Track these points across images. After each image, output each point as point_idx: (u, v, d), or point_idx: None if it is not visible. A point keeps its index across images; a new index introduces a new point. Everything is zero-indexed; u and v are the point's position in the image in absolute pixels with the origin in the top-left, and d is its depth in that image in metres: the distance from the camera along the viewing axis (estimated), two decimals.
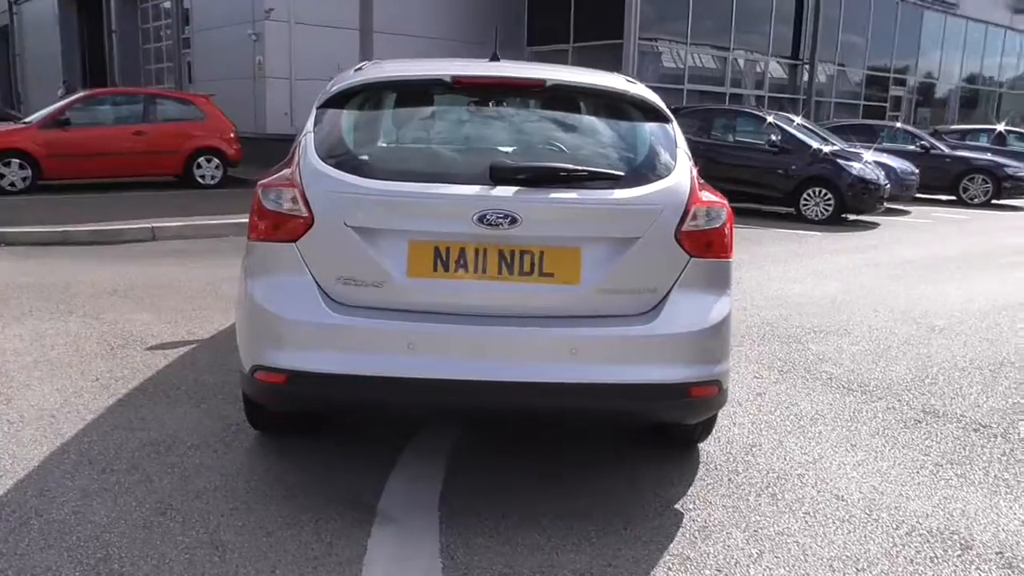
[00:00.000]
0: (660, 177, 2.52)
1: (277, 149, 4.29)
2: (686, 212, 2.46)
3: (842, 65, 21.53)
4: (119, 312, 4.75)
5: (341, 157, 2.50)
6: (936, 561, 2.35)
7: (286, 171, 2.57)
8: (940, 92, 25.39)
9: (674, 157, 2.61)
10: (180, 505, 2.52)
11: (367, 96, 2.70)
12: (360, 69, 2.89)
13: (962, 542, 2.45)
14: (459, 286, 2.37)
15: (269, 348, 2.40)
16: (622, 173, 2.52)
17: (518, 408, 2.47)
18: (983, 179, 13.90)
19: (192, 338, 4.28)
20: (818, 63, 20.15)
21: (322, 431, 3.08)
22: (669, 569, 2.25)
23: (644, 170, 2.58)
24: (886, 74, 22.89)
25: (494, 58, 2.92)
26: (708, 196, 2.54)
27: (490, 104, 2.72)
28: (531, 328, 2.36)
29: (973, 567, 2.33)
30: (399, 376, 2.32)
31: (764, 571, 2.27)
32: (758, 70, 19.83)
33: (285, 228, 2.41)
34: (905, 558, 2.35)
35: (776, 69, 20.24)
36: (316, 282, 2.39)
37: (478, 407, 2.49)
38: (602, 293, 2.40)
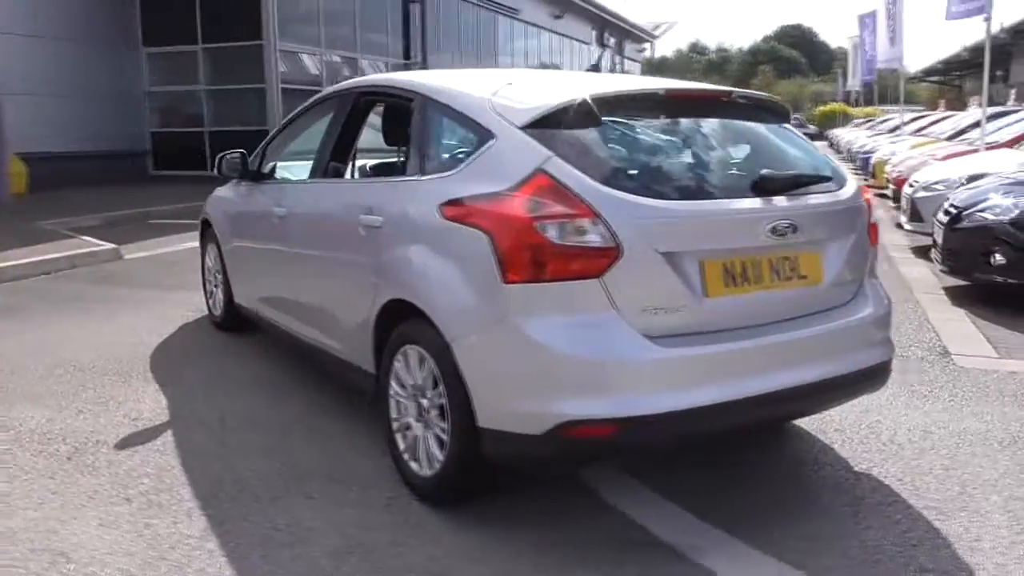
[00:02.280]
0: (847, 176, 2.82)
1: None
2: (869, 207, 2.82)
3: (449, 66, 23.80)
4: None
5: (617, 179, 2.34)
6: None
7: (518, 197, 2.28)
8: None
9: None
10: None
11: (591, 115, 2.47)
12: (511, 85, 2.74)
13: None
14: (747, 299, 2.43)
15: (586, 398, 2.19)
16: (832, 176, 2.79)
17: (817, 406, 2.69)
18: None
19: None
20: (429, 64, 22.08)
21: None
22: None
23: (838, 171, 2.84)
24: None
25: (594, 68, 3.14)
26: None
27: (691, 116, 2.71)
28: (810, 329, 2.50)
29: None
30: (728, 400, 2.29)
31: None
32: (381, 73, 20.93)
33: (590, 263, 2.22)
34: None
35: (397, 70, 21.63)
36: (623, 317, 2.25)
37: (790, 413, 2.67)
38: (832, 288, 2.62)
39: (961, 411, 3.58)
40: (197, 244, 8.21)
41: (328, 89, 3.91)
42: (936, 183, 7.68)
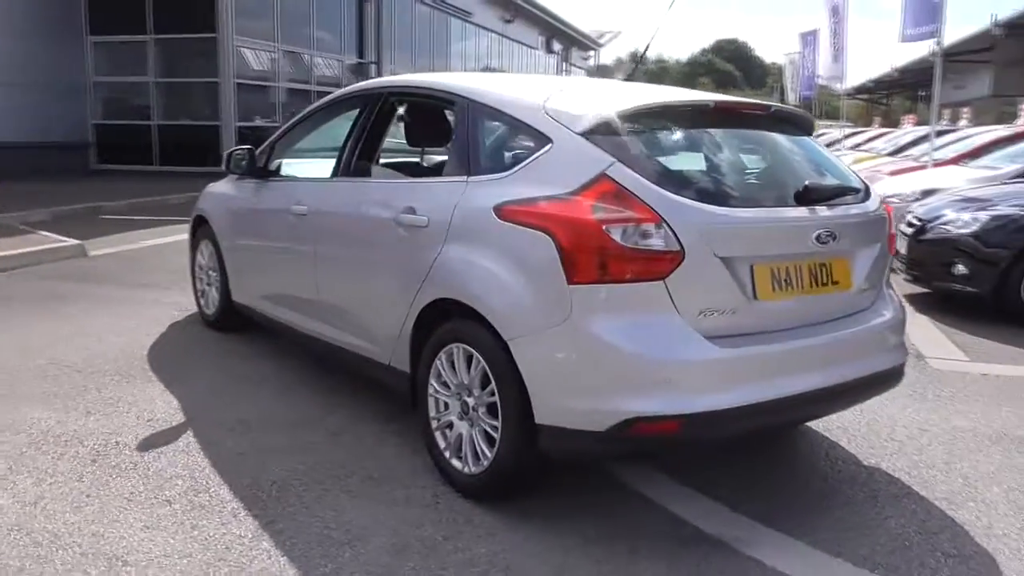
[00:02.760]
0: (870, 188, 2.97)
1: None
2: (890, 217, 2.99)
3: (403, 64, 23.70)
4: None
5: (677, 185, 2.44)
6: None
7: (583, 201, 2.36)
8: None
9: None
10: None
11: (650, 122, 2.64)
12: (563, 91, 2.83)
13: None
14: (791, 302, 2.57)
15: (653, 395, 2.29)
16: (861, 188, 2.94)
17: (848, 404, 2.85)
18: None
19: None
20: (383, 64, 21.94)
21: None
22: None
23: (865, 183, 2.98)
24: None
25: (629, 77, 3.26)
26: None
27: (736, 127, 2.87)
28: (844, 331, 2.66)
29: None
30: (779, 397, 2.42)
31: None
32: (335, 71, 20.68)
33: (655, 266, 2.32)
34: None
35: (351, 69, 21.41)
36: (683, 318, 2.35)
37: (827, 410, 2.82)
38: (858, 293, 2.78)
39: (947, 410, 3.82)
40: (160, 242, 7.99)
41: (350, 88, 3.90)
42: (890, 197, 8.09)
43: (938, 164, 9.46)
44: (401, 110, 3.64)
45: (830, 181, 2.86)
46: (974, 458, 3.27)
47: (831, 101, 39.16)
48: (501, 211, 2.59)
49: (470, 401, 2.73)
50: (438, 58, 26.18)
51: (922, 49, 20.82)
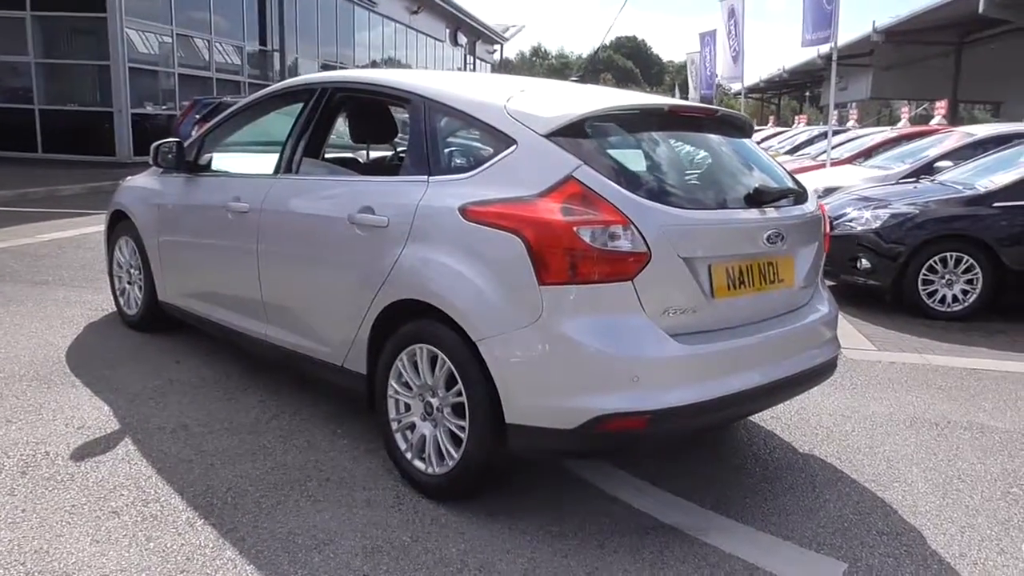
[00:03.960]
0: (807, 190, 3.12)
1: None
2: (824, 217, 3.14)
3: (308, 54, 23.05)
4: None
5: (641, 188, 2.51)
6: None
7: (551, 202, 2.40)
8: None
9: None
10: None
11: (610, 125, 2.70)
12: (524, 92, 2.84)
13: None
14: (744, 300, 2.69)
15: (621, 392, 2.35)
16: (801, 189, 3.09)
17: (790, 395, 2.96)
18: None
19: None
20: (286, 51, 21.27)
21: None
22: None
23: (802, 184, 3.15)
24: (333, 62, 25.27)
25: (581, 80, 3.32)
26: None
27: (687, 130, 2.96)
28: (789, 327, 2.80)
29: None
30: (739, 391, 2.54)
31: None
32: (236, 59, 19.91)
33: (622, 267, 2.38)
34: None
35: (252, 56, 20.66)
36: (649, 317, 2.43)
37: (776, 402, 2.94)
38: (799, 291, 2.93)
39: (865, 397, 4.10)
40: (58, 236, 7.57)
41: (291, 81, 3.78)
42: None
43: (835, 163, 10.06)
44: (349, 107, 3.57)
45: (775, 183, 3.00)
46: (893, 441, 3.53)
47: (727, 100, 40.79)
48: (467, 212, 2.60)
49: (434, 402, 2.73)
50: (343, 47, 25.61)
51: (810, 53, 22.02)
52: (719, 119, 3.09)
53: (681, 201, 2.62)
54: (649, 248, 2.43)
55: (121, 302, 4.73)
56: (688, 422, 2.51)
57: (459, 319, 2.56)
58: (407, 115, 3.08)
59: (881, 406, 3.98)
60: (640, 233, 2.43)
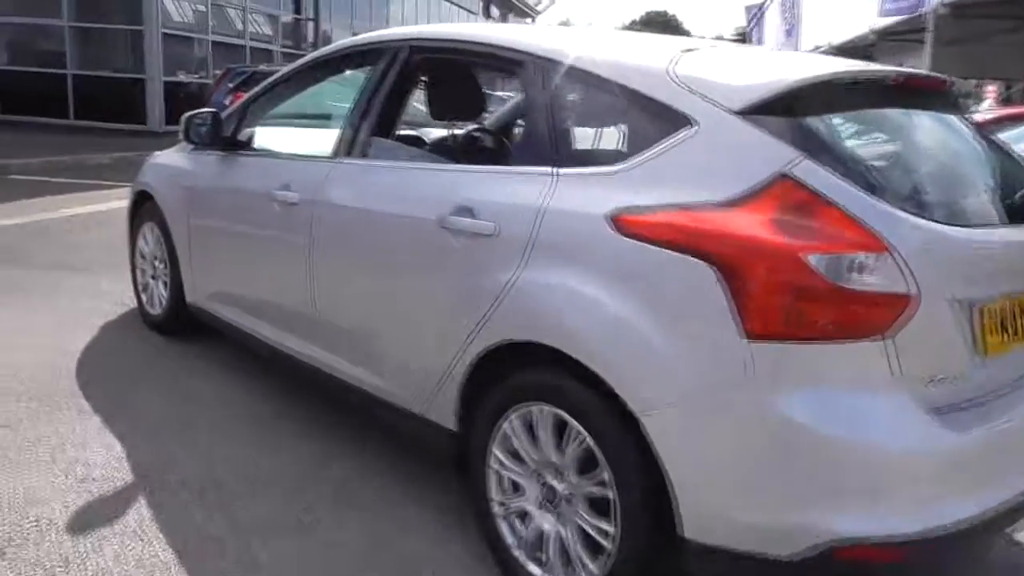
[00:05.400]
0: None
1: None
2: None
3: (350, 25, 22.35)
4: None
5: (893, 195, 1.72)
6: None
7: (765, 214, 1.62)
8: None
9: None
10: None
11: (828, 101, 1.85)
12: (693, 53, 2.00)
13: None
14: (1014, 356, 1.88)
15: (870, 507, 1.59)
16: None
17: None
18: None
19: None
20: (320, 21, 20.52)
21: None
22: None
23: None
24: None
25: (745, 38, 2.46)
26: None
27: (920, 108, 2.13)
28: None
29: None
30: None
31: None
32: (269, 29, 19.24)
33: (875, 315, 1.60)
34: None
35: (287, 25, 20.01)
36: (908, 390, 1.64)
37: None
38: None
39: None
40: (83, 211, 6.96)
41: (353, 40, 2.98)
42: None
43: None
44: (426, 72, 2.78)
45: None
46: None
47: None
48: (621, 222, 1.81)
49: (559, 487, 1.96)
50: (376, 20, 24.79)
51: (858, 28, 20.58)
52: (951, 93, 2.24)
53: (946, 214, 1.80)
54: (918, 286, 1.62)
55: (143, 299, 4.02)
56: (966, 547, 1.77)
57: (610, 378, 1.78)
58: (517, 84, 2.28)
59: None
60: (903, 263, 1.61)
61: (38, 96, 14.88)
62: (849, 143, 1.85)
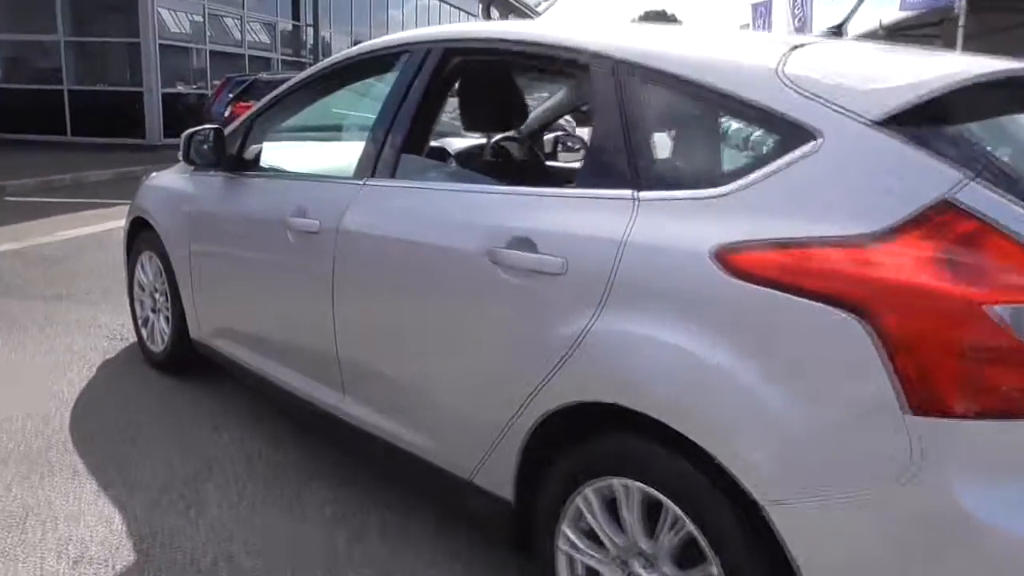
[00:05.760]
0: None
1: None
2: None
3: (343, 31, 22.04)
4: None
5: None
6: None
7: (925, 252, 1.28)
8: None
9: None
10: None
11: (979, 107, 1.55)
12: (803, 50, 1.65)
13: None
14: None
15: None
16: None
17: None
18: None
19: None
20: (320, 27, 20.20)
21: None
22: None
23: None
24: (366, 40, 24.19)
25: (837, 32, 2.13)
26: None
27: None
28: None
29: None
30: None
31: None
32: (267, 37, 18.94)
33: None
34: None
35: (285, 33, 19.72)
36: None
37: None
38: None
39: None
40: (80, 232, 6.67)
41: (376, 42, 2.62)
42: None
43: None
44: (463, 77, 2.42)
45: None
46: None
47: None
48: (732, 260, 1.45)
49: None
50: (376, 27, 24.50)
51: (872, 24, 20.23)
52: None
53: None
54: None
55: (144, 334, 3.67)
56: None
57: (727, 459, 1.42)
58: (580, 90, 1.92)
59: None
60: None
61: (34, 113, 14.60)
62: (1008, 158, 1.48)
